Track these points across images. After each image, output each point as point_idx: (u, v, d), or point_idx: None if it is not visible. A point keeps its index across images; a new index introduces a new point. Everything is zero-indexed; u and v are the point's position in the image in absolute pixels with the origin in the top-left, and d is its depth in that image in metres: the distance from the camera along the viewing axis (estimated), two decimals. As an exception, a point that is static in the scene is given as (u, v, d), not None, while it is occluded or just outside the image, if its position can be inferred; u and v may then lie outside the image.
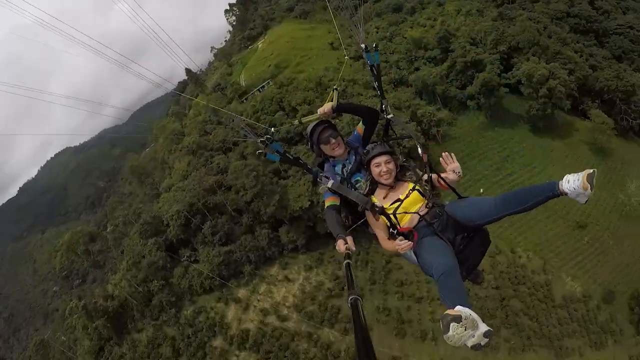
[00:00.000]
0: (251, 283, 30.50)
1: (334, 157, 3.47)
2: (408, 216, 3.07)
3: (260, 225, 33.03)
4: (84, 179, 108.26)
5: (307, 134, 3.50)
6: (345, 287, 1.91)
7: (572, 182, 2.47)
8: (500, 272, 33.38)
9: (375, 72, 3.51)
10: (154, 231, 37.99)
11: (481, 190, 37.65)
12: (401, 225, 3.11)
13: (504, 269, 33.79)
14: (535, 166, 44.19)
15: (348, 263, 2.25)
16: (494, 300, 30.59)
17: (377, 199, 3.21)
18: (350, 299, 1.54)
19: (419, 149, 3.41)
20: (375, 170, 3.19)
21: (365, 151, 3.31)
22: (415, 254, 2.98)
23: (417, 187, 3.14)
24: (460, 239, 2.98)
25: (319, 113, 3.47)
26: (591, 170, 2.46)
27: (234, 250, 31.39)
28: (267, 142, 3.20)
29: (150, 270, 33.25)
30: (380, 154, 3.18)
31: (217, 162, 40.18)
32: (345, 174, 3.41)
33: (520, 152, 45.93)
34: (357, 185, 3.41)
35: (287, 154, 3.27)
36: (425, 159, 3.35)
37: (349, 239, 3.04)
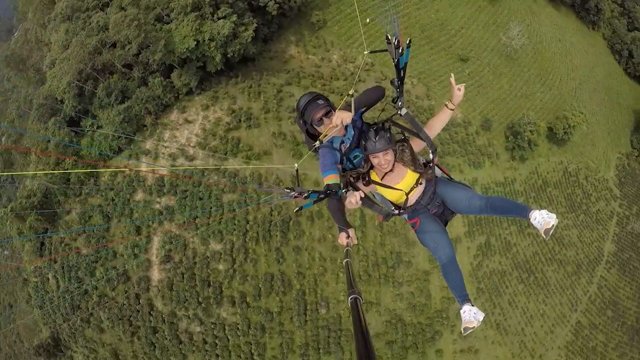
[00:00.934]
0: (155, 133, 31.11)
1: None
2: (403, 196, 3.25)
3: (152, 75, 31.83)
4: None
5: (297, 112, 3.18)
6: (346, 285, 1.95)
7: (538, 221, 2.78)
8: (387, 96, 35.66)
9: (401, 71, 2.99)
10: (51, 112, 35.37)
11: (367, 20, 36.57)
12: (397, 204, 3.32)
13: (390, 94, 36.15)
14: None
15: (347, 262, 2.31)
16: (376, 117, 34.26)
17: (377, 177, 3.28)
18: (350, 299, 1.55)
19: (430, 153, 3.29)
20: (373, 161, 3.15)
21: (363, 143, 3.12)
22: (416, 232, 3.36)
23: (415, 171, 3.24)
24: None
25: (335, 124, 2.97)
26: (550, 225, 2.70)
27: (131, 105, 30.72)
28: (306, 195, 2.77)
29: (58, 150, 32.24)
30: (376, 151, 3.06)
31: (96, 21, 35.29)
32: (344, 150, 3.26)
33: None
34: (355, 161, 3.33)
35: (320, 194, 2.85)
36: (435, 161, 3.32)
37: (351, 231, 3.15)
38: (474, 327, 2.80)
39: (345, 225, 3.16)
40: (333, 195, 2.92)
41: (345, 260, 2.42)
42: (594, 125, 45.25)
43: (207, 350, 27.68)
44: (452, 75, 3.49)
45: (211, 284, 27.93)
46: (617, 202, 43.62)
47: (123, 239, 29.02)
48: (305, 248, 28.92)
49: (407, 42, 2.89)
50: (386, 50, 2.99)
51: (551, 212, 2.80)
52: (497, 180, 36.29)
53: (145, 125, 32.01)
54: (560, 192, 39.85)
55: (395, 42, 2.85)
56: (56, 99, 35.36)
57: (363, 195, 3.00)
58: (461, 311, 2.87)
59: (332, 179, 3.04)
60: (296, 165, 3.12)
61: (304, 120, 3.15)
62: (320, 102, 3.08)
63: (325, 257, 29.16)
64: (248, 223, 28.73)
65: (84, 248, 29.53)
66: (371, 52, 3.51)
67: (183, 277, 28.04)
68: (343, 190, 3.05)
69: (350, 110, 3.03)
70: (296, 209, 3.02)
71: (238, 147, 30.25)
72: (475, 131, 36.68)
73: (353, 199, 2.91)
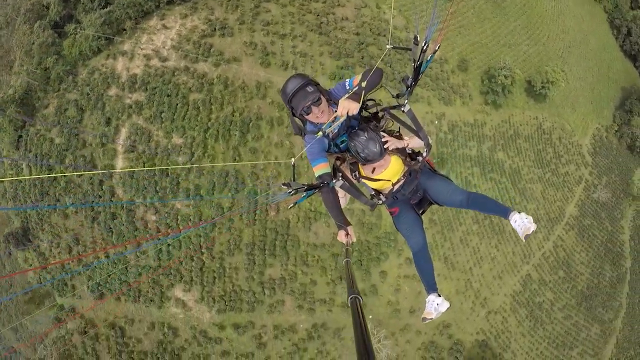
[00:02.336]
0: (133, 36, 32.43)
1: None
2: (389, 184, 3.28)
3: (136, -17, 33.25)
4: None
5: (283, 97, 2.96)
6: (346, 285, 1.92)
7: (518, 224, 2.83)
8: (363, 22, 34.59)
9: (419, 72, 2.86)
10: (37, 16, 36.91)
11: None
12: (381, 191, 3.34)
13: (368, 20, 34.80)
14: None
15: (347, 261, 2.28)
16: (353, 43, 33.95)
17: (365, 172, 3.28)
18: (350, 298, 1.55)
19: (425, 151, 3.28)
20: (369, 168, 3.18)
21: (353, 145, 3.04)
22: (393, 219, 3.45)
23: (401, 159, 3.27)
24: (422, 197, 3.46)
25: (339, 114, 2.85)
26: (530, 232, 2.77)
27: (113, 10, 32.10)
28: (302, 190, 2.74)
29: (42, 49, 33.71)
30: (376, 160, 3.06)
31: None
32: (332, 135, 3.14)
33: None
34: (342, 146, 3.27)
35: (314, 188, 2.86)
36: (427, 159, 3.34)
37: (350, 229, 3.09)
38: (432, 318, 2.84)
39: (343, 223, 3.08)
40: (325, 186, 2.88)
41: (345, 259, 2.37)
42: (577, 90, 45.01)
43: (159, 239, 29.35)
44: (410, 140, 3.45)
45: (169, 174, 29.44)
46: (588, 170, 43.62)
47: (93, 130, 30.58)
48: (262, 151, 30.13)
49: (436, 47, 2.77)
50: (409, 49, 2.80)
51: (529, 215, 2.84)
52: (466, 120, 36.68)
53: (125, 29, 33.25)
54: (530, 146, 40.08)
55: (425, 46, 2.67)
56: (42, 4, 36.84)
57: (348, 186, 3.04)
58: (426, 300, 2.90)
59: (322, 168, 2.99)
60: (293, 160, 3.03)
61: (292, 107, 2.97)
62: (310, 89, 2.88)
63: (281, 163, 30.32)
64: (210, 121, 30.02)
65: (57, 137, 31.22)
66: (394, 48, 3.33)
67: (144, 166, 29.59)
68: (334, 181, 2.99)
69: (355, 99, 2.86)
70: (290, 205, 3.12)
71: (210, 51, 31.36)
72: (450, 69, 36.92)
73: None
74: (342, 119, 2.93)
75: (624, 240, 44.07)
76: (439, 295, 2.91)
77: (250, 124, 30.06)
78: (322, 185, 2.90)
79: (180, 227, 29.24)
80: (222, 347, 29.66)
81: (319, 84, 3.00)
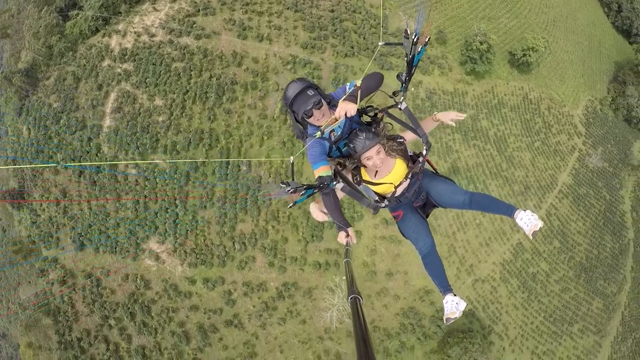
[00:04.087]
0: (127, 18, 35.89)
1: None
2: (392, 188, 3.21)
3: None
4: None
5: (285, 102, 3.00)
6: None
7: (524, 222, 2.82)
8: (339, 1, 36.47)
9: (412, 65, 2.92)
10: (45, 3, 41.74)
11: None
12: (384, 195, 3.28)
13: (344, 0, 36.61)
14: None
15: (347, 261, 2.28)
16: (327, 18, 35.00)
17: (368, 177, 3.21)
18: (350, 298, 1.56)
19: (424, 149, 3.23)
20: (367, 163, 3.03)
21: (352, 145, 2.99)
22: (397, 223, 3.38)
23: (404, 162, 3.21)
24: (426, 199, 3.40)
25: (337, 116, 2.85)
26: (538, 228, 2.76)
27: (111, -5, 36.18)
28: (301, 189, 2.69)
29: (47, 30, 37.95)
30: (370, 147, 2.94)
31: None
32: (334, 139, 3.13)
33: None
34: (344, 150, 3.23)
35: (314, 189, 2.81)
36: (426, 158, 3.29)
37: (350, 230, 3.09)
38: (456, 317, 2.77)
39: (344, 224, 3.07)
40: (325, 187, 2.84)
41: (345, 259, 2.35)
42: (565, 63, 44.14)
43: (137, 191, 30.77)
44: (463, 115, 3.40)
45: (149, 131, 31.28)
46: (581, 140, 41.72)
47: (87, 95, 33.39)
48: (236, 111, 31.55)
49: (426, 39, 2.78)
50: (402, 44, 2.86)
51: (534, 212, 2.82)
52: (445, 89, 36.78)
53: (120, 12, 36.91)
54: (517, 116, 39.23)
55: (415, 39, 2.72)
56: (51, -8, 41.67)
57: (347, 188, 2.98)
58: (444, 301, 2.83)
59: (323, 170, 2.96)
60: (292, 158, 3.05)
61: (293, 110, 2.97)
62: (310, 92, 2.89)
63: (253, 122, 31.55)
64: (189, 85, 32.06)
65: (54, 102, 34.28)
66: (386, 44, 3.36)
67: (128, 125, 31.68)
68: (334, 183, 2.94)
69: (353, 101, 2.85)
70: (290, 204, 3.02)
71: (192, 26, 34.09)
72: (429, 41, 37.53)
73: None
74: (340, 121, 2.88)
75: (625, 211, 41.13)
76: (455, 295, 2.84)
77: (226, 87, 31.84)
78: (321, 186, 2.83)
79: (157, 181, 30.61)
80: (191, 301, 29.78)
81: (319, 88, 2.99)
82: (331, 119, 2.95)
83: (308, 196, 2.79)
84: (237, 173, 30.55)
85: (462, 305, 2.82)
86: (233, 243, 29.88)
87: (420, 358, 30.74)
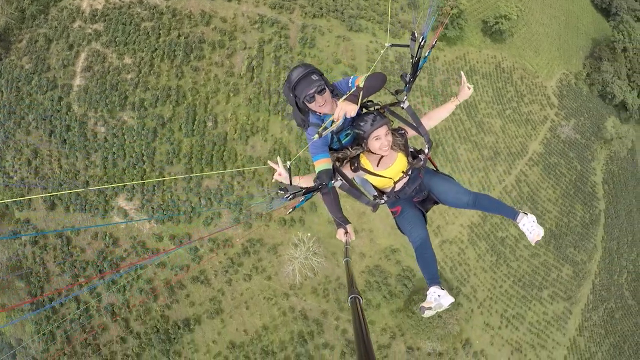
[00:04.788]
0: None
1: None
2: (391, 183, 3.22)
3: None
4: None
5: (287, 84, 2.94)
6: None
7: (527, 228, 2.92)
8: None
9: (417, 68, 2.93)
10: None
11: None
12: (383, 190, 3.29)
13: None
14: None
15: (347, 260, 2.27)
16: None
17: (371, 167, 3.15)
18: (350, 298, 1.56)
19: (426, 148, 3.23)
20: (375, 145, 2.96)
21: (362, 124, 2.94)
22: (395, 219, 3.38)
23: (405, 157, 3.18)
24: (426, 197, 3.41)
25: (336, 117, 2.80)
26: (541, 237, 2.88)
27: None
28: (300, 194, 2.65)
29: None
30: (380, 125, 2.92)
31: None
32: (336, 129, 3.08)
33: None
34: (345, 141, 3.18)
35: (313, 190, 2.78)
36: (429, 156, 3.28)
37: (350, 227, 3.11)
38: (431, 307, 2.66)
39: (343, 221, 3.07)
40: (324, 188, 2.81)
41: (344, 259, 2.34)
42: (541, 35, 44.45)
43: (106, 148, 31.05)
44: (463, 73, 3.49)
45: (118, 89, 31.53)
46: (554, 111, 42.07)
47: (58, 55, 33.59)
48: (203, 69, 31.82)
49: (433, 42, 2.82)
50: (407, 46, 2.87)
51: (536, 220, 2.93)
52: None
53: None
54: (488, 83, 39.57)
55: (422, 42, 2.73)
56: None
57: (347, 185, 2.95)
58: (427, 292, 2.78)
59: (323, 163, 2.92)
60: (288, 163, 2.93)
61: (295, 94, 2.91)
62: (314, 77, 2.86)
63: (220, 80, 31.83)
64: (157, 43, 32.32)
65: (26, 64, 34.46)
66: (392, 45, 3.35)
67: (97, 83, 31.92)
68: (333, 183, 2.92)
69: (354, 101, 2.79)
70: (289, 210, 2.92)
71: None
72: (400, 6, 37.99)
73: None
74: (338, 123, 2.82)
75: (596, 182, 41.59)
76: (442, 289, 2.77)
77: (193, 45, 32.10)
78: (320, 187, 2.80)
79: (125, 138, 30.89)
80: (158, 258, 30.10)
81: (323, 74, 2.96)
82: (330, 119, 2.84)
83: (307, 199, 2.75)
84: (203, 129, 30.86)
85: (446, 300, 2.67)
86: (199, 199, 30.21)
87: (387, 316, 31.15)
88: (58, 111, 32.16)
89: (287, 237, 30.63)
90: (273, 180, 2.96)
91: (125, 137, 30.94)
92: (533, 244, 2.99)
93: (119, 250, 30.45)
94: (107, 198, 30.76)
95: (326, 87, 2.90)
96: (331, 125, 2.85)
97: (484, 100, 38.90)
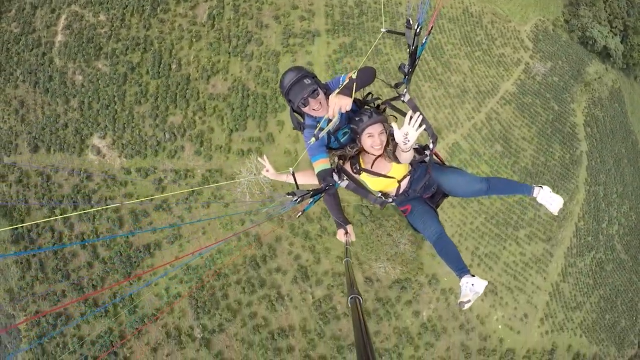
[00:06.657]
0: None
1: None
2: (395, 183, 3.13)
3: None
4: None
5: (281, 90, 2.86)
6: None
7: (546, 200, 2.97)
8: None
9: (415, 57, 2.75)
10: None
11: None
12: (387, 192, 3.23)
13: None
14: None
15: (347, 261, 2.27)
16: None
17: (366, 165, 3.06)
18: (350, 298, 1.54)
19: (430, 142, 3.05)
20: (367, 142, 2.87)
21: (357, 119, 2.85)
22: (407, 217, 3.35)
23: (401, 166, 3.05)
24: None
25: (332, 113, 2.66)
26: (561, 206, 2.94)
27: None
28: (307, 197, 2.63)
29: None
30: (375, 122, 2.81)
31: None
32: (332, 129, 2.96)
33: None
34: (343, 140, 3.07)
35: (320, 192, 2.75)
36: (434, 150, 3.13)
37: (350, 227, 3.15)
38: (470, 300, 2.48)
39: (343, 221, 3.05)
40: (331, 189, 2.80)
41: (345, 259, 2.32)
42: (513, -19, 44.02)
43: (83, 93, 33.76)
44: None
45: (93, 42, 34.48)
46: (528, 54, 40.84)
47: (42, 18, 37.32)
48: (169, 20, 34.22)
49: (429, 29, 2.61)
50: (403, 34, 2.70)
51: (553, 191, 2.93)
52: None
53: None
54: (456, 27, 39.38)
55: (417, 30, 2.55)
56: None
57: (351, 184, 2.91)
58: (460, 284, 2.60)
59: (321, 163, 2.87)
60: (291, 169, 2.93)
61: (289, 99, 2.82)
62: (307, 81, 2.75)
63: (183, 28, 34.05)
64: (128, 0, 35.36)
65: (15, 29, 38.40)
66: (388, 31, 3.18)
67: (75, 38, 35.07)
68: (339, 183, 2.87)
69: (347, 94, 2.64)
70: (298, 213, 3.11)
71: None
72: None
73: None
74: (334, 121, 2.78)
75: (577, 123, 39.69)
76: (473, 276, 2.60)
77: (160, 0, 34.80)
78: (327, 189, 2.79)
79: (100, 83, 33.52)
80: (126, 189, 31.88)
81: (316, 77, 2.89)
82: (326, 118, 2.77)
83: (315, 201, 2.75)
84: (168, 72, 32.94)
85: (480, 285, 2.51)
86: (164, 134, 31.97)
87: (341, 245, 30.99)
88: (42, 64, 35.46)
89: (246, 167, 31.57)
90: (261, 176, 3.41)
91: (100, 82, 33.55)
92: (556, 214, 3.06)
93: (92, 185, 32.56)
94: (82, 137, 33.22)
95: (319, 89, 2.79)
96: (327, 125, 2.77)
97: (451, 42, 38.76)
